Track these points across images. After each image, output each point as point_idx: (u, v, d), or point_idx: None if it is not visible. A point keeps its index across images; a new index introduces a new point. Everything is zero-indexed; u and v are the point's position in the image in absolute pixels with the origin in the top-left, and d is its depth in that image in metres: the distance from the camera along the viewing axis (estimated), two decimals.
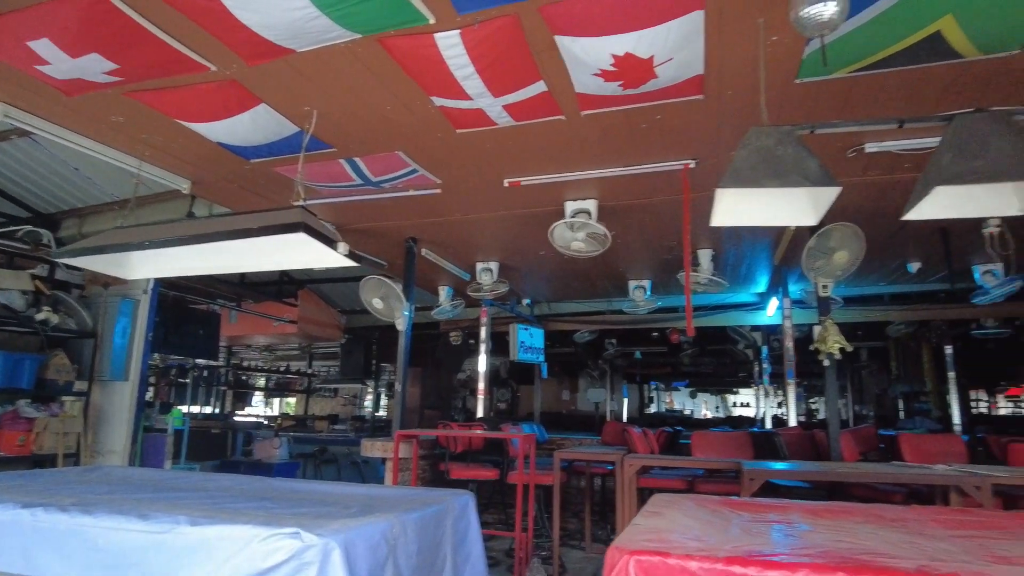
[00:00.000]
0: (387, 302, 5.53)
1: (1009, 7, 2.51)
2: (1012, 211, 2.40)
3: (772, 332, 9.83)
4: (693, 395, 19.34)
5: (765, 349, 10.19)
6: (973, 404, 19.48)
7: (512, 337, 8.45)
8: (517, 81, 3.15)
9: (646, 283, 7.68)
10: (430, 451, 5.99)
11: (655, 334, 12.31)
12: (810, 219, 2.52)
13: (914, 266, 6.77)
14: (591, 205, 5.00)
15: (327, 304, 10.73)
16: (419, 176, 4.52)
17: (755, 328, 10.11)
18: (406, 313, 5.64)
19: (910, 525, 2.50)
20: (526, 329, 8.81)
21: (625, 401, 18.53)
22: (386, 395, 15.97)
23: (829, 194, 2.31)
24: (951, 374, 9.23)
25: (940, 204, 2.32)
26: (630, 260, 6.96)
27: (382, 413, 15.45)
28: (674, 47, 2.81)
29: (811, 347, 4.76)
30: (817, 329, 4.75)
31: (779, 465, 4.21)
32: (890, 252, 6.39)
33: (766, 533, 2.26)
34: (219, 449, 8.82)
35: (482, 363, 7.50)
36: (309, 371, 16.49)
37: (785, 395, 7.33)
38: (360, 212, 5.46)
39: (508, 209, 5.25)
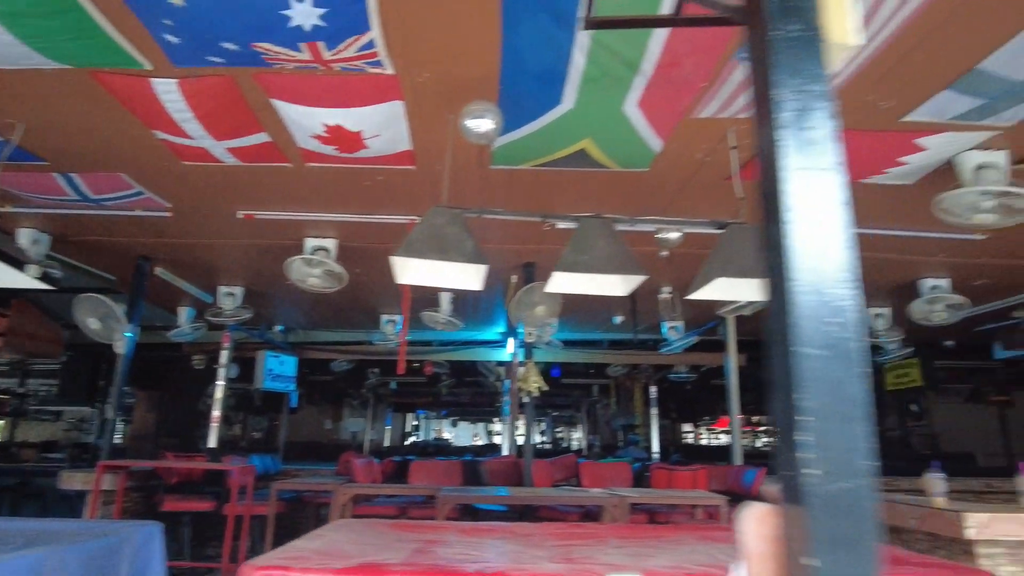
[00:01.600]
0: (105, 323, 5.22)
1: (628, 143, 3.35)
2: (616, 293, 3.18)
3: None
4: (454, 424, 20.19)
5: (508, 383, 11.14)
6: (689, 435, 22.69)
7: (259, 364, 8.30)
8: (238, 130, 3.36)
9: (397, 318, 8.09)
10: (145, 482, 5.70)
11: (416, 364, 12.80)
12: (474, 286, 3.07)
13: (618, 318, 8.04)
14: (331, 244, 5.27)
15: (47, 317, 9.53)
16: (147, 198, 4.44)
17: (501, 363, 11.05)
18: (127, 335, 5.37)
19: (533, 539, 3.10)
20: (276, 356, 8.71)
21: (388, 430, 18.76)
22: (121, 420, 14.38)
23: (482, 270, 2.86)
24: (654, 410, 10.93)
25: (563, 284, 3.01)
26: (378, 296, 7.32)
27: (118, 439, 13.86)
28: (380, 126, 3.25)
29: (514, 386, 5.48)
30: (521, 370, 5.49)
31: (472, 490, 4.79)
32: (596, 306, 7.53)
33: (406, 550, 2.66)
34: None
35: (219, 390, 7.28)
36: (21, 390, 14.26)
37: (507, 426, 8.14)
38: (86, 225, 5.12)
39: (247, 239, 5.32)
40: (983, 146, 3.53)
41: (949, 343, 9.28)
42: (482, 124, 2.71)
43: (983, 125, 3.26)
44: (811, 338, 0.90)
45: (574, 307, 7.87)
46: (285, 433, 10.62)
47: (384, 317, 8.11)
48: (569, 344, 10.25)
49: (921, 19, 2.47)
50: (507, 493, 4.72)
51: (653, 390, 10.97)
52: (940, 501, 3.61)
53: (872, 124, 3.30)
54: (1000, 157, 3.57)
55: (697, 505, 5.16)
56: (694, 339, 8.58)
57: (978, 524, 3.27)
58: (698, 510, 5.27)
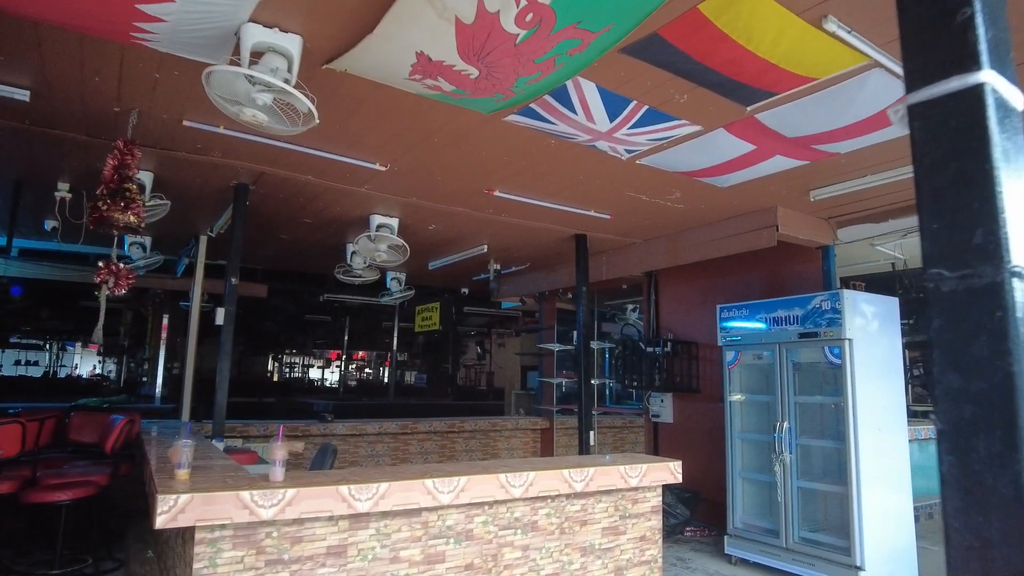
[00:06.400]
0: None
1: None
2: None
3: None
4: None
5: None
6: (292, 368, 21.65)
7: None
8: None
9: None
10: None
11: None
12: None
13: (50, 224, 6.13)
14: None
15: None
16: None
17: None
18: None
19: None
20: None
21: None
22: None
23: None
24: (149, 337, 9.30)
25: None
26: None
27: None
28: None
29: None
30: None
31: None
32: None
33: None
34: None
35: None
36: None
37: None
38: None
39: None
40: (270, 23, 2.70)
41: (464, 291, 9.54)
42: None
43: None
44: None
45: None
46: None
47: None
48: (33, 255, 7.96)
49: None
50: None
51: (165, 318, 9.29)
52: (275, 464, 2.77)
53: None
54: (293, 44, 2.79)
55: None
56: (160, 259, 7.09)
57: (171, 508, 2.50)
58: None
